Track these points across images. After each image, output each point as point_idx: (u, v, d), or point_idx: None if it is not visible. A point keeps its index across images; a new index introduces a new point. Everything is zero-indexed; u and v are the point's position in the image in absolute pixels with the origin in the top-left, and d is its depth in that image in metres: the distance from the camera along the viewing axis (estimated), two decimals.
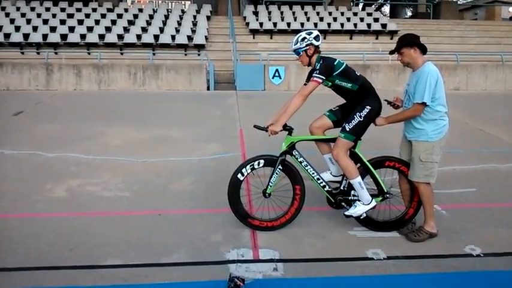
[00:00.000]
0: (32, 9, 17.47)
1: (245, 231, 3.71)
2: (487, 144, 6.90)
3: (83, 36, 15.32)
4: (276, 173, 3.63)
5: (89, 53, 14.80)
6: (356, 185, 3.55)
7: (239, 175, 3.62)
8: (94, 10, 17.64)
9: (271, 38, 16.86)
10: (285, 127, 3.59)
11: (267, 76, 13.18)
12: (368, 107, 3.55)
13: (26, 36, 15.10)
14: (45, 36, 15.10)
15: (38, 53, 14.79)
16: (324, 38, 17.06)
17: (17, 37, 15.03)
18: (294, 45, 3.65)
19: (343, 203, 3.71)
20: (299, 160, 3.69)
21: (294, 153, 3.67)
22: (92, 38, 15.25)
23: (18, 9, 17.39)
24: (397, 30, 16.90)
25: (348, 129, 3.53)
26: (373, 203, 3.60)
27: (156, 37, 15.45)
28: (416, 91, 3.38)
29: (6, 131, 7.44)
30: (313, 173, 3.71)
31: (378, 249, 3.41)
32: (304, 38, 3.60)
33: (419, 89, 3.36)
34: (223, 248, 3.45)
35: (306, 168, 3.70)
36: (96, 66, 13.22)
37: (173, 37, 15.53)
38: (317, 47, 3.64)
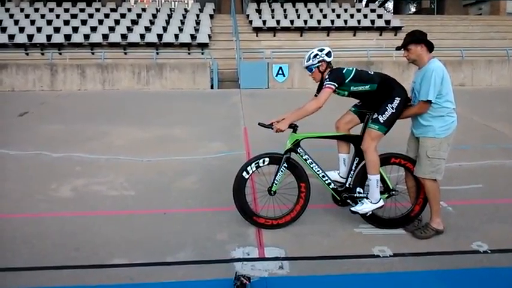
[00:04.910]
0: (36, 10, 17.53)
1: (250, 230, 3.70)
2: (493, 140, 6.85)
3: (86, 37, 15.36)
4: (281, 171, 3.62)
5: (92, 53, 14.83)
6: (373, 181, 3.52)
7: (244, 173, 3.61)
8: (97, 10, 17.67)
9: (274, 35, 16.83)
10: (290, 125, 3.58)
11: (271, 74, 13.15)
12: (397, 98, 3.51)
13: (30, 37, 15.15)
14: (49, 37, 15.15)
15: (42, 54, 14.85)
16: (328, 35, 17.02)
17: (21, 38, 15.09)
18: (306, 62, 3.65)
19: (348, 201, 3.69)
20: (304, 157, 3.68)
21: (298, 150, 3.66)
22: (96, 38, 15.28)
23: (22, 10, 17.46)
24: (401, 27, 16.78)
25: (382, 121, 3.49)
26: (381, 203, 3.58)
27: (160, 36, 15.46)
28: (422, 89, 3.36)
29: (12, 132, 7.48)
30: (318, 171, 3.69)
31: (384, 247, 3.39)
32: (316, 54, 3.60)
33: (424, 86, 3.34)
34: (228, 246, 3.44)
35: (311, 165, 3.69)
36: (100, 66, 13.25)
37: (176, 36, 15.53)
38: (329, 63, 3.64)
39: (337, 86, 3.48)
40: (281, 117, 3.57)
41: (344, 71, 3.56)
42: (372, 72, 3.66)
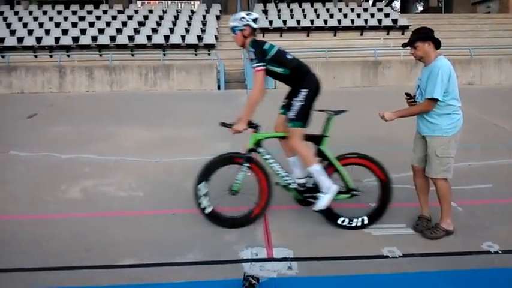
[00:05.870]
0: (44, 12, 17.69)
1: (259, 230, 3.70)
2: (502, 139, 6.78)
3: (94, 39, 15.47)
4: (243, 171, 3.62)
5: (100, 55, 14.94)
6: (314, 172, 3.53)
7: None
8: (105, 12, 17.79)
9: (281, 36, 16.80)
10: (251, 125, 3.58)
11: None
12: (303, 90, 3.54)
13: (38, 39, 15.30)
14: (57, 39, 15.29)
15: (51, 56, 14.99)
16: (334, 35, 16.97)
17: (30, 41, 15.24)
18: (232, 22, 3.64)
19: (311, 200, 3.67)
20: (265, 157, 3.68)
21: (259, 150, 3.67)
22: (103, 40, 15.39)
23: (30, 13, 17.63)
24: (408, 25, 16.70)
25: (293, 117, 3.54)
26: (334, 188, 3.52)
27: (167, 38, 15.53)
28: (428, 86, 3.34)
29: (21, 134, 7.55)
30: (278, 171, 3.69)
31: (393, 247, 3.37)
32: (243, 17, 3.60)
33: (431, 84, 3.31)
34: (237, 247, 3.44)
35: (272, 165, 3.68)
36: (108, 68, 13.34)
37: (183, 37, 15.58)
38: (254, 29, 3.62)
39: (265, 64, 3.49)
40: (237, 118, 3.59)
41: (267, 47, 3.58)
42: (291, 57, 3.65)
